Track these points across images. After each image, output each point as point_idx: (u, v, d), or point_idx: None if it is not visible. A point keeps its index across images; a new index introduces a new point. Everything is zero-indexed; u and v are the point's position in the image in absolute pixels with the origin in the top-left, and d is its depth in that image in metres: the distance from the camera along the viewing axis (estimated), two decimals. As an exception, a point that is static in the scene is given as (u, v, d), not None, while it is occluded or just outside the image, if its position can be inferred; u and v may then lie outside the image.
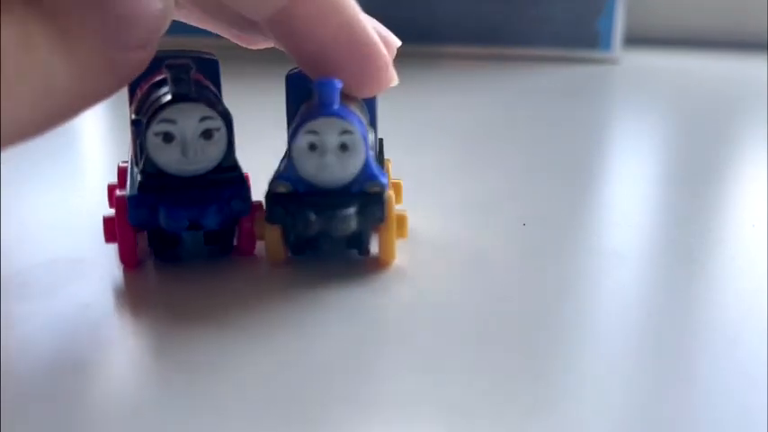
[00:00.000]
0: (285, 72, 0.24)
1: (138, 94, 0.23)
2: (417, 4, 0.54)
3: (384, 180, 0.22)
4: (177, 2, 0.23)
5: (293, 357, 0.19)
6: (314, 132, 0.21)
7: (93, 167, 0.34)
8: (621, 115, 0.44)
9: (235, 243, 0.24)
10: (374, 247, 0.23)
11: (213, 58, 0.24)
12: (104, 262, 0.23)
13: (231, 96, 0.25)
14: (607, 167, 0.35)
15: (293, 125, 0.22)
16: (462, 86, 0.47)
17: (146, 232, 0.23)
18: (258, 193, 0.23)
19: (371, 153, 0.22)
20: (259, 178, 0.23)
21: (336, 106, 0.21)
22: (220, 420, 0.16)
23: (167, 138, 0.21)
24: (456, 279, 0.22)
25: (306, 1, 0.20)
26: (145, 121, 0.21)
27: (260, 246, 0.23)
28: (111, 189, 0.25)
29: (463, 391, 0.17)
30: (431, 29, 0.54)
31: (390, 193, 0.22)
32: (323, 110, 0.21)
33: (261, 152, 0.25)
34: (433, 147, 0.35)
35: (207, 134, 0.22)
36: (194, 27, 0.24)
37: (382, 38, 0.22)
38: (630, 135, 0.39)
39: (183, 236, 0.23)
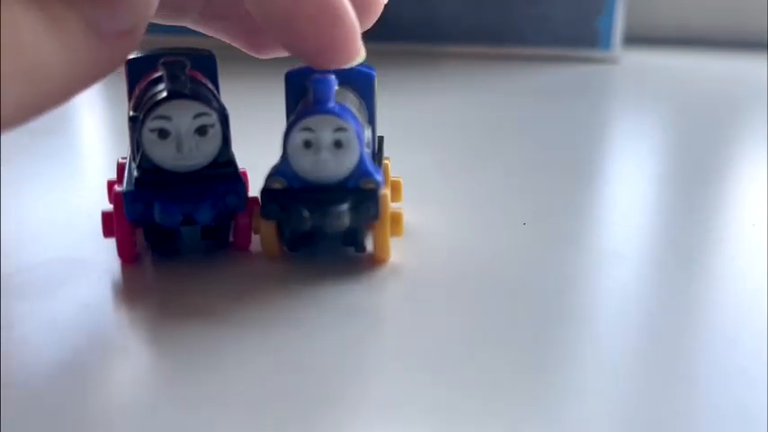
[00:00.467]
0: (284, 70, 0.24)
1: (137, 91, 0.23)
2: (417, 4, 0.54)
3: (379, 177, 0.22)
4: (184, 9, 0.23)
5: (289, 353, 0.19)
6: (309, 129, 0.21)
7: (93, 167, 0.34)
8: (621, 115, 0.44)
9: (231, 239, 0.24)
10: (370, 245, 0.23)
11: (210, 54, 0.24)
12: (103, 259, 0.23)
13: (230, 94, 0.24)
14: (607, 167, 0.34)
15: (288, 122, 0.22)
16: (462, 86, 0.47)
17: (142, 227, 0.23)
18: (256, 189, 0.23)
19: (366, 150, 0.22)
20: (258, 175, 0.23)
21: (332, 104, 0.21)
22: (218, 416, 0.16)
23: (162, 134, 0.22)
24: (454, 278, 0.22)
25: None
26: (140, 117, 0.22)
27: (256, 241, 0.23)
28: (110, 185, 0.25)
29: (460, 389, 0.17)
30: (431, 28, 0.54)
31: (386, 190, 0.22)
32: (318, 107, 0.21)
33: (260, 149, 0.25)
34: (433, 146, 0.35)
35: (201, 130, 0.22)
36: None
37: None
38: (630, 134, 0.39)
39: (180, 231, 0.23)
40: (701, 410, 0.17)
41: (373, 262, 0.23)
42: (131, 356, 0.19)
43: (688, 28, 0.59)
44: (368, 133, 0.23)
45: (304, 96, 0.23)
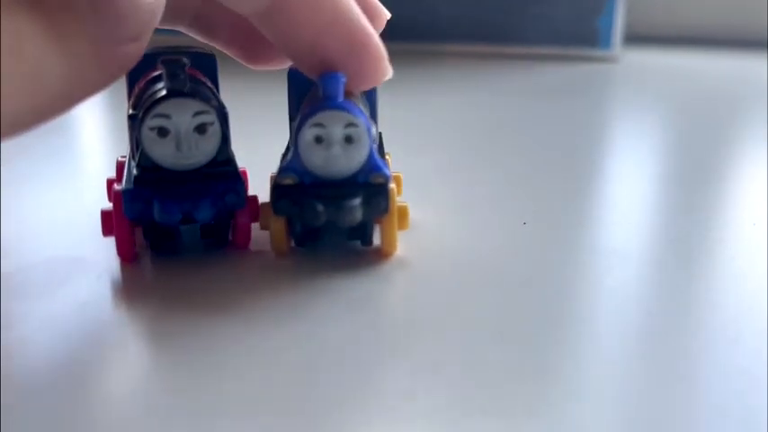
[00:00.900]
0: (284, 69, 0.24)
1: (136, 89, 0.23)
2: (418, 3, 0.53)
3: (387, 171, 0.22)
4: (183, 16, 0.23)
5: (295, 348, 0.19)
6: (320, 125, 0.21)
7: (93, 166, 0.34)
8: (621, 114, 0.44)
9: (230, 237, 0.24)
10: (376, 239, 0.23)
11: (210, 54, 0.24)
12: (103, 258, 0.23)
13: (230, 93, 0.24)
14: (607, 166, 0.34)
15: (299, 118, 0.22)
16: (462, 85, 0.47)
17: (142, 226, 0.23)
18: (254, 188, 0.23)
19: (374, 145, 0.22)
20: (257, 173, 0.23)
21: (341, 99, 0.21)
22: (220, 414, 0.16)
23: (162, 132, 0.22)
24: (457, 276, 0.22)
25: None
26: (140, 115, 0.22)
27: (255, 240, 0.23)
28: (110, 183, 0.26)
29: (462, 385, 0.17)
30: (431, 27, 0.54)
31: (392, 185, 0.22)
32: (328, 103, 0.21)
33: (260, 148, 0.25)
34: (434, 144, 0.35)
35: (201, 129, 0.22)
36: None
37: (372, 8, 0.22)
38: (630, 134, 0.39)
39: (179, 229, 0.23)
40: (702, 410, 0.17)
41: (379, 256, 0.23)
42: (131, 355, 0.19)
43: (688, 27, 0.59)
44: (374, 129, 0.23)
45: (306, 93, 0.23)
